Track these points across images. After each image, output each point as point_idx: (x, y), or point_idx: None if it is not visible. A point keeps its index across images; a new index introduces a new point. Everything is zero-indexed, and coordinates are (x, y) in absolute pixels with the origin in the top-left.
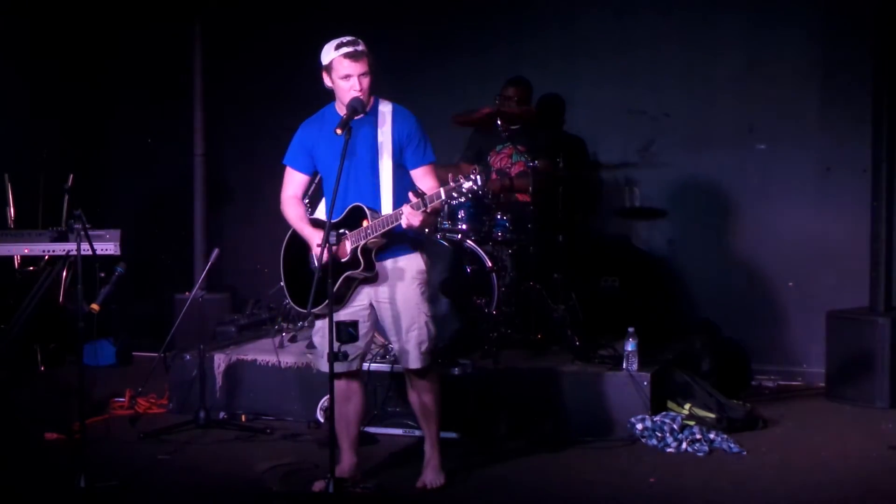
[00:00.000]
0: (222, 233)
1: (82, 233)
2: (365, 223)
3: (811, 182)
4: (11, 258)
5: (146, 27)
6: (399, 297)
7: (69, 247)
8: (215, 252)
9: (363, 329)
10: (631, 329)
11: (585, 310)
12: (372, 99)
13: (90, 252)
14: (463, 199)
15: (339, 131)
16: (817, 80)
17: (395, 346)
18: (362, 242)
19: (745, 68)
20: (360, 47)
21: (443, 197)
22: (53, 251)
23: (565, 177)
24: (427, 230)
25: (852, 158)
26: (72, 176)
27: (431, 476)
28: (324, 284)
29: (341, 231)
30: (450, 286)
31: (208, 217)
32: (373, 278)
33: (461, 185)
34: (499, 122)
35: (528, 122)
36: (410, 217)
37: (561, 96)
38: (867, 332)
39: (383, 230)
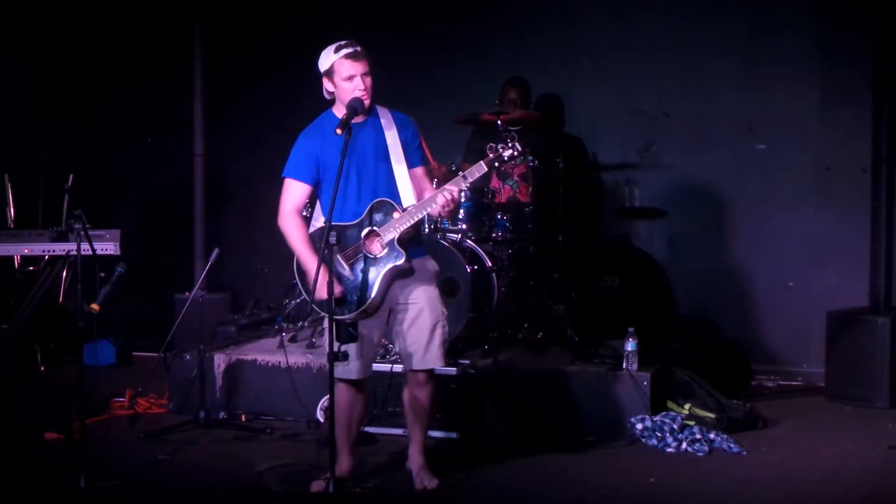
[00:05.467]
0: (222, 233)
1: (82, 233)
2: (396, 214)
3: (811, 182)
4: (11, 258)
5: (146, 28)
6: (424, 296)
7: (69, 247)
8: (215, 252)
9: (375, 338)
10: (631, 329)
11: (585, 310)
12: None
13: (90, 252)
14: (502, 167)
15: (339, 131)
16: (817, 79)
17: (412, 346)
18: (400, 232)
19: (745, 68)
20: (360, 48)
21: (484, 169)
22: (53, 251)
23: (565, 177)
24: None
25: (852, 158)
26: (72, 176)
27: (427, 477)
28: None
29: (371, 228)
30: (448, 285)
31: (208, 217)
32: (410, 270)
33: (501, 154)
34: (499, 123)
35: (530, 124)
36: (455, 193)
37: (559, 97)
38: (867, 332)
39: (425, 214)
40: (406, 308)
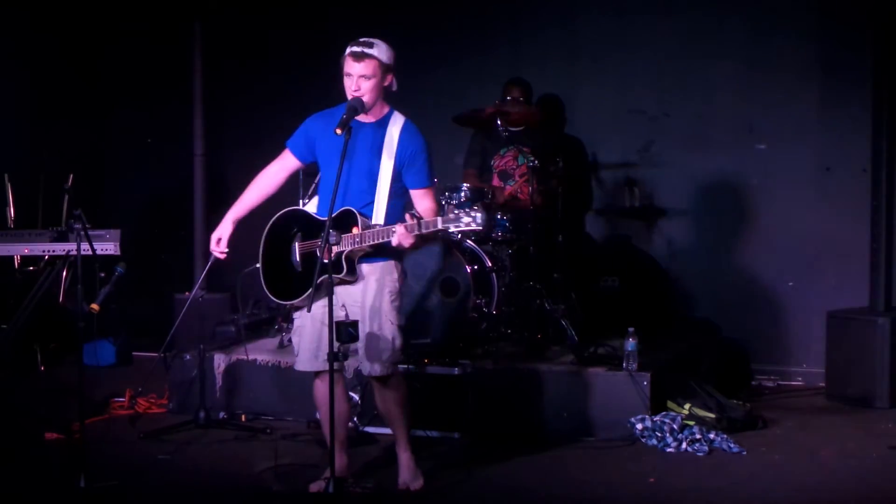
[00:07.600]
0: None
1: (82, 233)
2: (355, 230)
3: (811, 182)
4: (11, 258)
5: (146, 27)
6: (368, 302)
7: (69, 247)
8: None
9: None
10: (631, 329)
11: (585, 310)
12: (387, 108)
13: (90, 252)
14: (458, 235)
15: (338, 131)
16: (817, 80)
17: (359, 350)
18: (349, 249)
19: (745, 68)
20: (370, 49)
21: (439, 226)
22: (53, 251)
23: (565, 177)
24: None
25: (852, 158)
26: (72, 176)
27: (408, 476)
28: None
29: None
30: (448, 285)
31: (208, 217)
32: (353, 282)
33: (460, 219)
34: (499, 123)
35: (531, 124)
36: (402, 238)
37: (560, 97)
38: (867, 332)
39: (372, 243)
40: (353, 310)
